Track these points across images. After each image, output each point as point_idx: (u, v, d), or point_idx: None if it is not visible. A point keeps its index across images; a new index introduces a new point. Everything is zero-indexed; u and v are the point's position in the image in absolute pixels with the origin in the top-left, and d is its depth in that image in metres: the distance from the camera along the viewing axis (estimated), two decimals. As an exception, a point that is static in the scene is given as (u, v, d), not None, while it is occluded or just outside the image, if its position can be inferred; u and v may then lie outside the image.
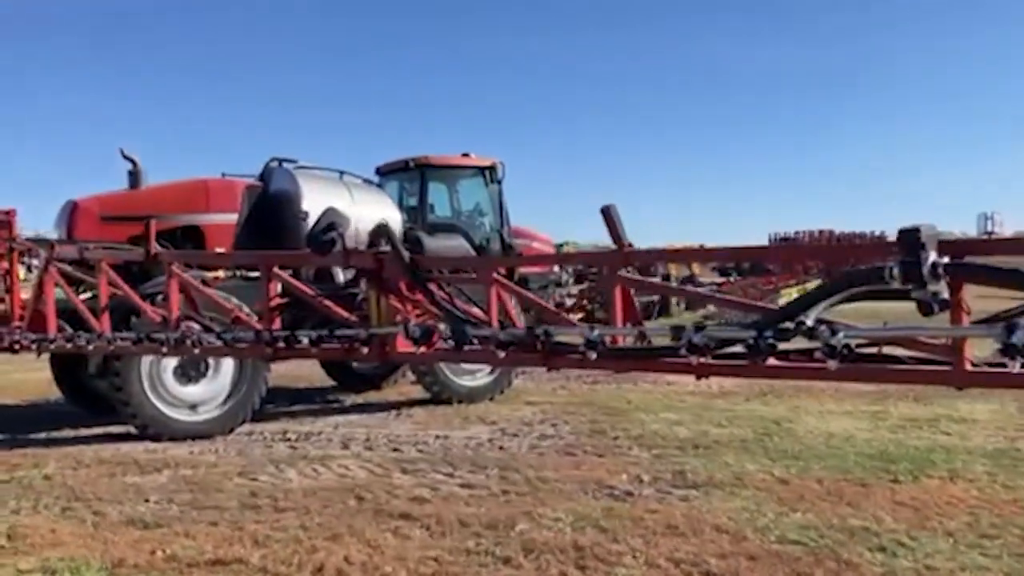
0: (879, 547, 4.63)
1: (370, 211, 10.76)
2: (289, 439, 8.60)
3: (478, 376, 10.77)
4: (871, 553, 4.55)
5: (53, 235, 9.49)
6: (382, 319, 3.98)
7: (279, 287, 4.86)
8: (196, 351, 5.26)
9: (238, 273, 9.60)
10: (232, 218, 9.88)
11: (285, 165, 10.68)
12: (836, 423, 8.45)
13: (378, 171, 12.05)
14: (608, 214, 3.23)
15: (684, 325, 2.92)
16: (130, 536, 5.21)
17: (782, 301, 25.55)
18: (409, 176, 11.65)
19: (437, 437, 8.44)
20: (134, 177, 9.66)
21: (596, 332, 3.09)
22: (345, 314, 4.32)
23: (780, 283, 27.72)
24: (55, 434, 9.26)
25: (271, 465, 7.27)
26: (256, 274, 9.58)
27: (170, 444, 8.43)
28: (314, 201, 10.13)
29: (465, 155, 11.99)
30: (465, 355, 3.55)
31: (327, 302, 4.44)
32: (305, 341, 4.33)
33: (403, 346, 3.95)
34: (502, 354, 3.31)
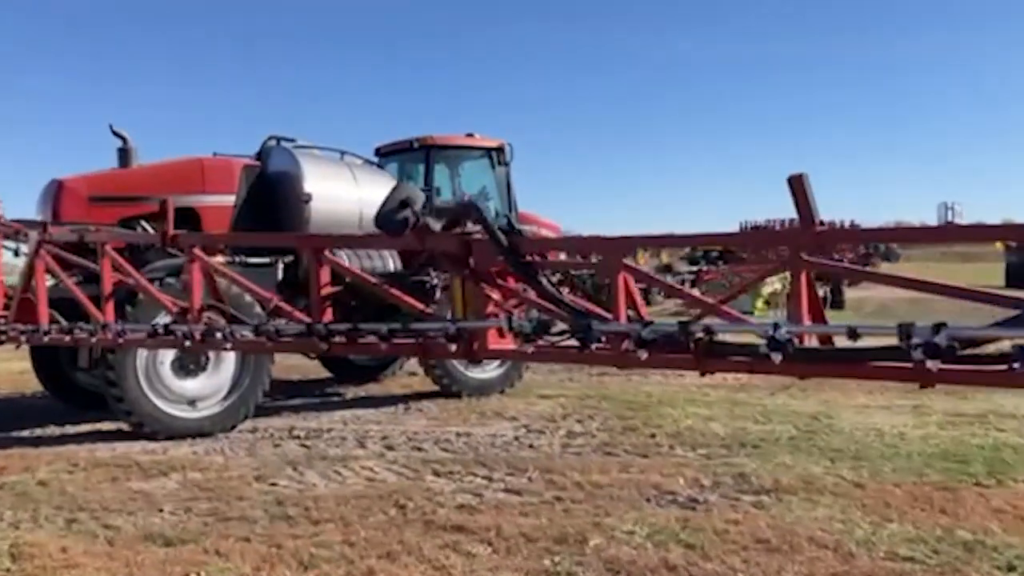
0: (1007, 566, 4.17)
1: (375, 194, 10.14)
2: (298, 437, 8.00)
3: (488, 368, 10.23)
4: (1001, 573, 4.09)
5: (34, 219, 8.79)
6: (468, 311, 3.42)
7: (327, 274, 4.24)
8: (228, 346, 4.65)
9: (237, 259, 8.97)
10: (229, 200, 9.24)
11: (284, 144, 10.06)
12: (879, 419, 8.02)
13: (378, 152, 11.40)
14: (799, 183, 2.68)
15: (912, 322, 2.40)
16: (153, 555, 4.59)
17: (767, 291, 25.13)
18: (412, 157, 11.03)
19: (458, 434, 7.88)
20: (124, 155, 8.95)
21: (783, 330, 2.55)
22: (419, 305, 3.75)
23: (763, 272, 27.12)
24: (39, 432, 8.58)
25: (288, 467, 6.68)
26: (258, 260, 9.14)
27: (169, 443, 7.79)
28: (316, 182, 9.55)
29: (469, 135, 11.39)
30: (591, 356, 3.00)
31: (394, 291, 3.86)
32: (372, 336, 3.76)
33: (495, 342, 3.40)
34: (644, 354, 2.77)
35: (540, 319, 3.06)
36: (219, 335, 4.61)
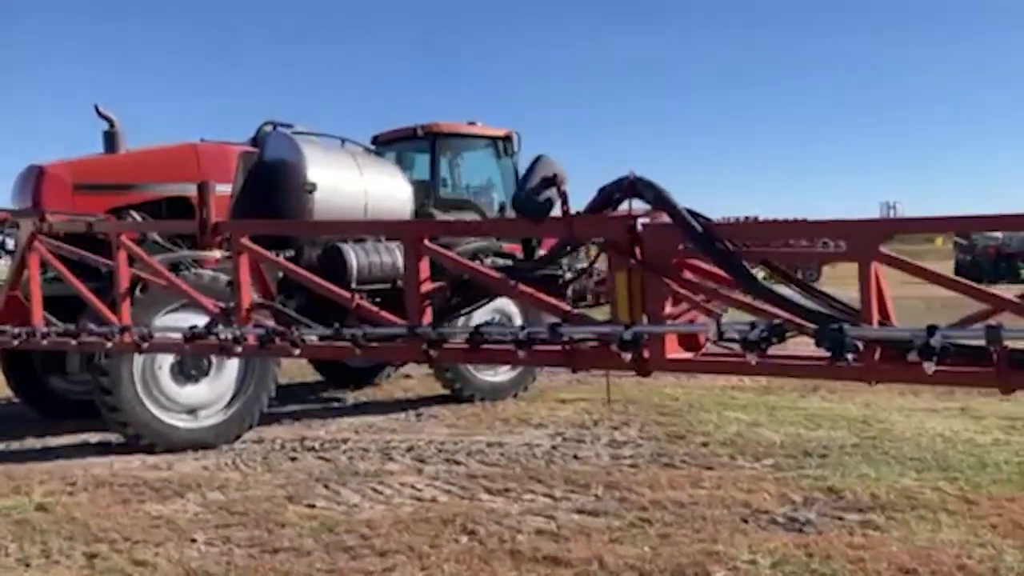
0: None
1: (380, 184, 9.46)
2: (313, 448, 7.29)
3: (500, 371, 9.60)
4: None
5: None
6: (636, 313, 2.81)
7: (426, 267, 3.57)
8: (296, 352, 3.95)
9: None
10: (225, 189, 8.44)
11: (281, 130, 9.31)
12: (934, 423, 7.57)
13: (375, 140, 10.68)
14: None
15: None
16: (207, 600, 3.90)
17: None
18: (416, 146, 10.33)
19: (489, 444, 7.25)
20: (111, 139, 8.12)
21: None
22: (564, 306, 3.11)
23: None
24: (17, 445, 7.75)
25: (319, 485, 5.99)
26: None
27: (170, 457, 7.04)
28: (320, 171, 8.84)
29: (471, 123, 10.73)
30: (847, 371, 2.38)
31: (523, 287, 3.21)
32: (501, 343, 3.11)
33: (674, 351, 2.79)
34: (930, 368, 2.17)
35: (773, 324, 2.45)
36: (285, 340, 3.90)
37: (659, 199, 2.76)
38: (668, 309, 2.80)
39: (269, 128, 9.30)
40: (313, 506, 5.46)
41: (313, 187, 8.64)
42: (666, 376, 10.83)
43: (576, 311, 3.07)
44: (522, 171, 10.60)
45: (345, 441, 7.54)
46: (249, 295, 4.38)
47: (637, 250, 2.87)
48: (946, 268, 34.48)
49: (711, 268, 2.81)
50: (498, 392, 9.52)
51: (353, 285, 8.70)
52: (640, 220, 2.87)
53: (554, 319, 3.12)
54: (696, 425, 7.75)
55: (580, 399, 9.37)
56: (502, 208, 10.68)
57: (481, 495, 5.66)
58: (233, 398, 7.67)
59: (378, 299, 9.28)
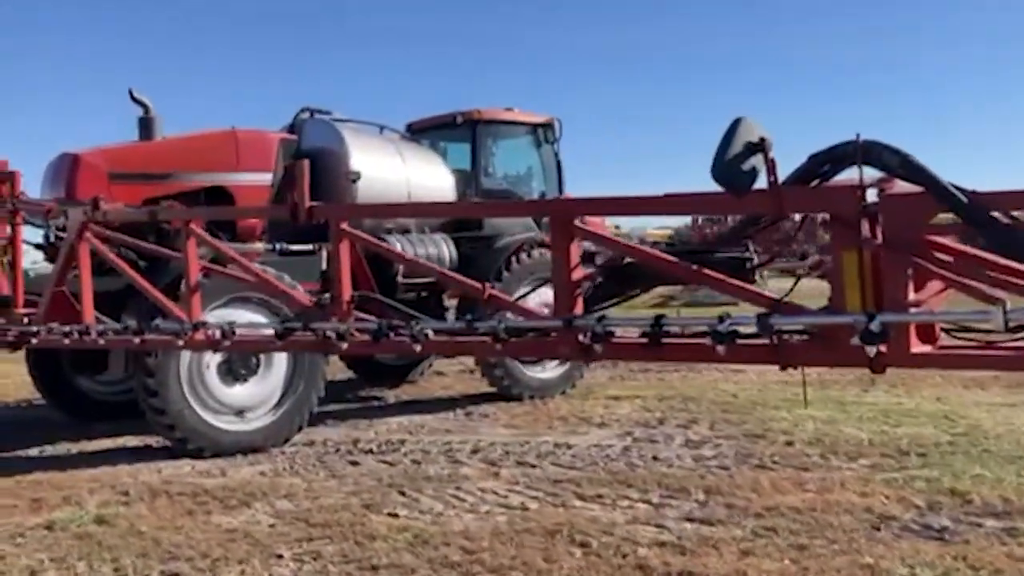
0: None
1: (422, 172, 9.05)
2: (371, 451, 6.88)
3: (548, 367, 9.20)
4: None
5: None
6: (869, 301, 2.40)
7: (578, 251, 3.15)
8: (417, 348, 3.52)
9: (277, 246, 7.79)
10: (264, 178, 8.02)
11: (319, 117, 8.89)
12: (1018, 419, 7.20)
13: (410, 128, 10.23)
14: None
15: None
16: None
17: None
18: (455, 134, 9.89)
19: (557, 445, 6.84)
20: (147, 125, 7.67)
21: None
22: (768, 294, 2.69)
23: None
24: (51, 450, 7.32)
25: (392, 492, 5.57)
26: (299, 247, 7.93)
27: (220, 462, 6.63)
28: (363, 159, 8.44)
29: (508, 110, 10.30)
30: None
31: (707, 272, 2.80)
32: (690, 335, 2.69)
33: (918, 345, 2.39)
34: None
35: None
36: (403, 335, 3.47)
37: (907, 164, 2.35)
38: (913, 295, 2.39)
39: (306, 115, 8.88)
40: (396, 515, 5.04)
41: (357, 176, 8.23)
42: (709, 370, 10.51)
43: (784, 300, 2.64)
44: (562, 159, 10.34)
45: (402, 443, 7.12)
46: (349, 286, 3.95)
47: (866, 225, 2.46)
48: None
49: (961, 247, 2.41)
50: (546, 389, 9.13)
51: (399, 279, 8.31)
52: (871, 190, 2.46)
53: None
54: (769, 423, 7.37)
55: (633, 396, 8.99)
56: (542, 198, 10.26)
57: (574, 502, 5.24)
58: (282, 398, 7.25)
59: (423, 294, 9.03)
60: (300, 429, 7.32)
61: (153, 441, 7.40)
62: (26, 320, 5.95)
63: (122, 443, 7.44)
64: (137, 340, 4.84)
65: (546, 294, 8.95)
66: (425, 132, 10.04)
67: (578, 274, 3.13)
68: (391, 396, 9.67)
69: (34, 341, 5.68)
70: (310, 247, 7.86)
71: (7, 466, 6.57)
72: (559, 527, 4.66)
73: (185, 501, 5.44)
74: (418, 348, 3.49)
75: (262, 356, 7.10)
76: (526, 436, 7.25)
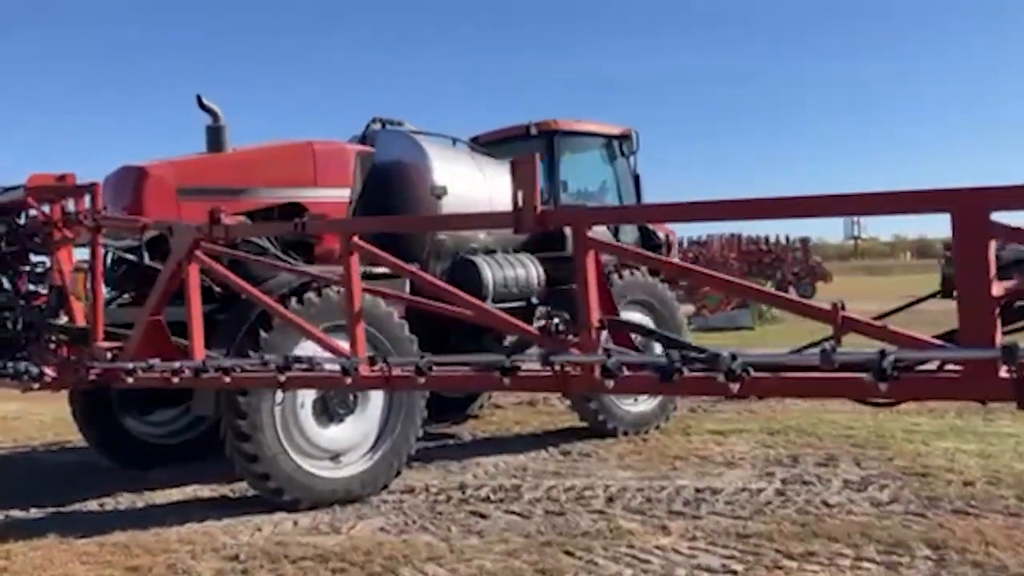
0: None
1: (502, 187, 8.21)
2: (488, 499, 6.06)
3: (641, 401, 8.41)
4: None
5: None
6: None
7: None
8: (735, 387, 2.72)
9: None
10: (342, 194, 7.22)
11: (392, 128, 8.11)
12: None
13: (476, 141, 9.45)
14: None
15: None
16: None
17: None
18: (528, 146, 9.12)
19: (699, 490, 6.06)
20: (215, 136, 6.83)
21: None
22: None
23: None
24: (115, 503, 6.43)
25: (557, 552, 4.76)
26: (383, 269, 7.09)
27: (323, 515, 5.80)
28: (446, 174, 7.66)
29: (582, 121, 9.57)
30: None
31: None
32: None
33: None
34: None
35: None
36: (710, 370, 2.67)
37: None
38: None
39: (377, 125, 8.09)
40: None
41: (444, 191, 7.44)
42: (798, 403, 9.78)
43: None
44: (639, 171, 9.61)
45: (517, 489, 6.29)
46: (597, 307, 3.15)
47: None
48: (927, 281, 34.16)
49: None
50: (641, 423, 8.35)
51: (488, 303, 7.49)
52: None
53: None
54: (919, 458, 6.67)
55: (737, 430, 8.22)
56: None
57: (785, 562, 4.47)
58: (378, 439, 6.41)
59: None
60: (398, 474, 6.47)
61: (227, 490, 6.54)
62: (110, 355, 5.07)
63: (191, 493, 6.54)
64: (282, 377, 3.99)
65: (633, 317, 8.36)
66: (494, 145, 9.26)
67: (999, 288, 2.37)
68: (464, 433, 8.81)
69: (130, 380, 4.80)
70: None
71: (75, 524, 5.65)
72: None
73: (316, 569, 4.59)
74: (735, 388, 2.70)
75: (360, 392, 6.26)
76: (653, 478, 6.45)
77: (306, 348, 5.77)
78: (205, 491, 6.57)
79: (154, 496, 6.50)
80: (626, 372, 2.93)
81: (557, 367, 3.13)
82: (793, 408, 9.28)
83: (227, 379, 4.26)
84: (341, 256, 6.76)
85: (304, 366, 3.92)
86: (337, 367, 3.79)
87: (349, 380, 3.73)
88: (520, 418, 9.49)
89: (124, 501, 6.41)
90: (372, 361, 3.68)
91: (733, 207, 2.96)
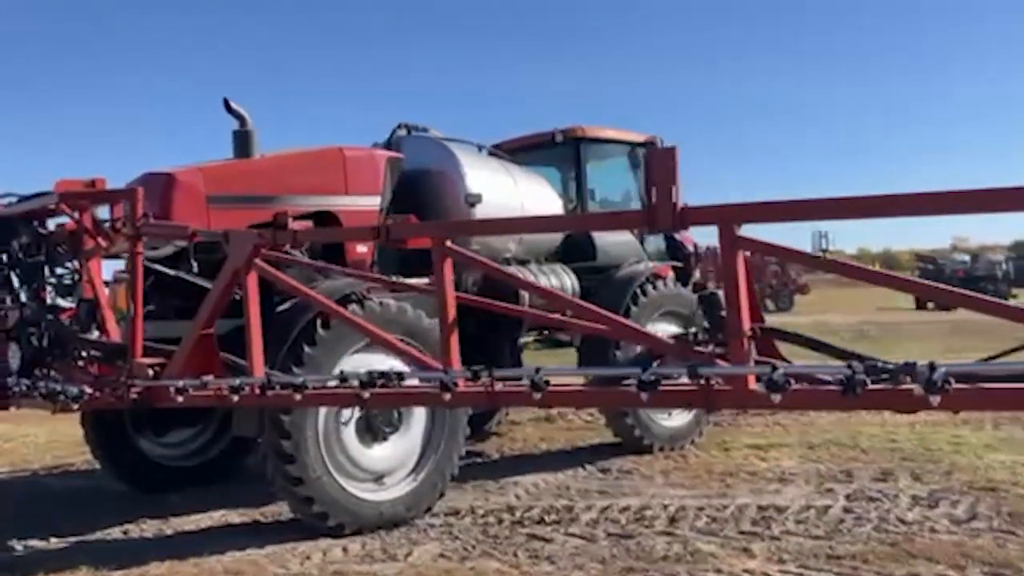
0: None
1: (534, 194, 7.99)
2: (543, 521, 5.75)
3: (675, 415, 8.14)
4: None
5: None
6: None
7: None
8: (935, 400, 2.45)
9: (393, 277, 6.63)
10: (372, 202, 6.87)
11: (419, 135, 7.82)
12: None
13: (499, 148, 9.16)
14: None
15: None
16: None
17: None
18: (554, 154, 8.86)
19: (762, 508, 5.79)
20: (243, 140, 6.47)
21: None
22: None
23: None
24: (141, 531, 6.03)
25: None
26: (416, 281, 6.74)
27: (370, 541, 5.45)
28: (479, 181, 7.40)
29: (606, 128, 9.31)
30: None
31: None
32: None
33: None
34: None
35: None
36: (902, 381, 2.40)
37: None
38: None
39: (403, 132, 7.79)
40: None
41: (478, 199, 7.15)
42: (819, 415, 9.55)
43: None
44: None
45: (570, 510, 5.98)
46: (748, 314, 2.86)
47: None
48: (899, 294, 34.21)
49: None
50: (676, 439, 8.06)
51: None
52: None
53: None
54: (977, 471, 6.47)
55: (776, 444, 7.98)
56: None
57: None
58: (421, 459, 6.07)
59: (546, 331, 7.95)
60: (442, 495, 6.14)
61: (258, 515, 6.18)
62: (152, 372, 4.70)
63: (221, 519, 6.15)
64: (367, 395, 3.66)
65: (667, 329, 8.10)
66: (517, 152, 8.96)
67: None
68: (491, 451, 8.47)
69: (180, 399, 4.43)
70: (426, 280, 6.71)
71: (104, 555, 5.25)
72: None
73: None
74: (935, 402, 2.42)
75: (403, 409, 5.93)
76: (709, 496, 6.18)
77: (348, 364, 5.50)
78: (234, 516, 6.19)
79: (180, 523, 6.10)
80: (795, 385, 2.64)
81: (703, 380, 2.84)
82: (822, 420, 9.05)
83: (298, 397, 3.91)
84: (363, 268, 6.51)
85: (391, 381, 3.58)
86: (430, 382, 3.46)
87: (448, 396, 3.40)
88: (543, 434, 9.17)
89: (149, 528, 6.00)
90: (475, 376, 3.36)
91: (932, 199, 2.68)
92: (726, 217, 2.87)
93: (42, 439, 9.92)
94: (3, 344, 5.31)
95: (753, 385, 2.78)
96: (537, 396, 3.20)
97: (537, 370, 3.16)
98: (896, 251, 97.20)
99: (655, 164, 2.95)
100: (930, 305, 31.99)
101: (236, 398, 4.14)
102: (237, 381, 4.15)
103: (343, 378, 3.86)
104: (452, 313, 3.63)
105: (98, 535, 5.87)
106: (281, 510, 6.16)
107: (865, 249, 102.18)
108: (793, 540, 5.02)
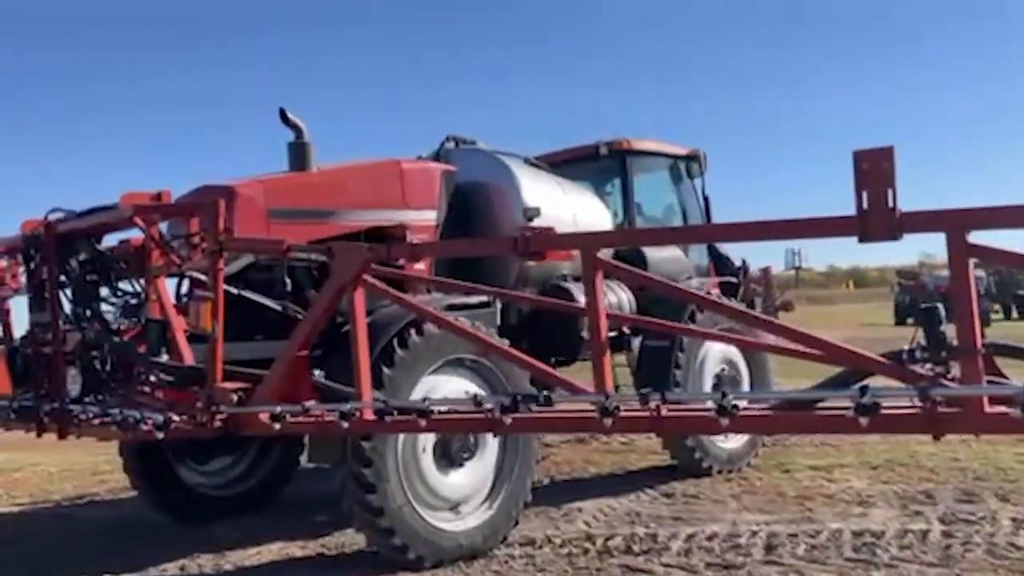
0: None
1: (585, 208, 7.75)
2: (630, 550, 5.47)
3: (731, 437, 7.87)
4: None
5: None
6: None
7: None
8: None
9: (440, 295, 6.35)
10: (429, 216, 6.56)
11: (468, 147, 7.56)
12: None
13: (541, 160, 8.89)
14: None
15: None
16: None
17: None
18: (599, 167, 8.62)
19: (856, 534, 5.53)
20: (300, 152, 6.14)
21: None
22: None
23: None
24: (199, 567, 5.64)
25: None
26: (477, 299, 6.44)
27: (449, 572, 5.09)
28: (535, 195, 7.13)
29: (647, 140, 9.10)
30: None
31: None
32: None
33: None
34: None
35: None
36: None
37: None
38: None
39: (452, 145, 7.51)
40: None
41: (536, 212, 6.89)
42: (860, 437, 9.29)
43: None
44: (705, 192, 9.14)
45: (652, 538, 5.68)
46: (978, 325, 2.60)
47: None
48: (880, 310, 34.24)
49: None
50: (734, 460, 7.80)
51: (583, 332, 6.92)
52: None
53: None
54: (1065, 493, 6.24)
55: (837, 465, 7.74)
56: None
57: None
58: (495, 486, 5.76)
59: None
60: (516, 523, 5.83)
61: (319, 547, 5.85)
62: (235, 398, 4.35)
63: (281, 552, 5.79)
64: (509, 420, 3.35)
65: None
66: (560, 165, 8.69)
67: None
68: (538, 475, 8.14)
69: (276, 427, 4.09)
70: (484, 298, 6.39)
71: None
72: None
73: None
74: None
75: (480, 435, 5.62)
76: (796, 522, 5.91)
77: (423, 387, 5.22)
78: (294, 549, 5.83)
79: (238, 557, 5.73)
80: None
81: (929, 404, 2.57)
82: (871, 438, 8.81)
83: (423, 423, 3.59)
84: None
85: (537, 406, 3.28)
86: (586, 404, 3.16)
87: (609, 422, 3.11)
88: (586, 458, 8.87)
89: (207, 564, 5.63)
90: (644, 399, 3.06)
91: None
92: (956, 223, 2.61)
93: (54, 468, 9.50)
94: (63, 368, 4.96)
95: (989, 407, 2.52)
96: (725, 422, 2.91)
97: (724, 394, 2.88)
98: (864, 268, 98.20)
99: (867, 166, 2.69)
100: (909, 320, 32.16)
101: (346, 425, 3.80)
102: (348, 407, 3.82)
103: (478, 402, 3.54)
104: (604, 330, 3.34)
105: (153, 573, 5.49)
106: (343, 541, 5.85)
107: (835, 266, 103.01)
108: (913, 568, 4.77)
